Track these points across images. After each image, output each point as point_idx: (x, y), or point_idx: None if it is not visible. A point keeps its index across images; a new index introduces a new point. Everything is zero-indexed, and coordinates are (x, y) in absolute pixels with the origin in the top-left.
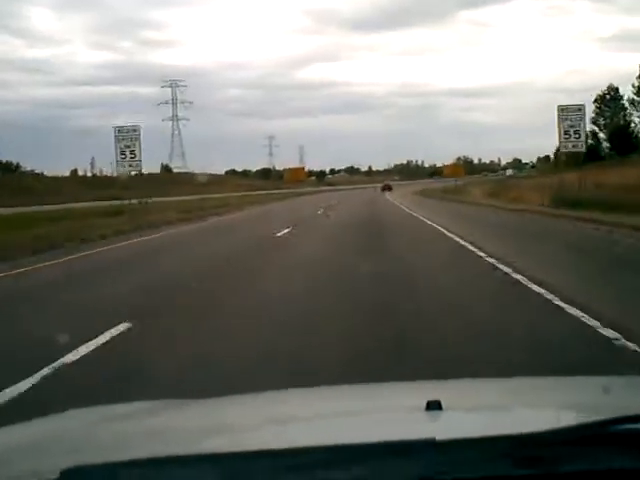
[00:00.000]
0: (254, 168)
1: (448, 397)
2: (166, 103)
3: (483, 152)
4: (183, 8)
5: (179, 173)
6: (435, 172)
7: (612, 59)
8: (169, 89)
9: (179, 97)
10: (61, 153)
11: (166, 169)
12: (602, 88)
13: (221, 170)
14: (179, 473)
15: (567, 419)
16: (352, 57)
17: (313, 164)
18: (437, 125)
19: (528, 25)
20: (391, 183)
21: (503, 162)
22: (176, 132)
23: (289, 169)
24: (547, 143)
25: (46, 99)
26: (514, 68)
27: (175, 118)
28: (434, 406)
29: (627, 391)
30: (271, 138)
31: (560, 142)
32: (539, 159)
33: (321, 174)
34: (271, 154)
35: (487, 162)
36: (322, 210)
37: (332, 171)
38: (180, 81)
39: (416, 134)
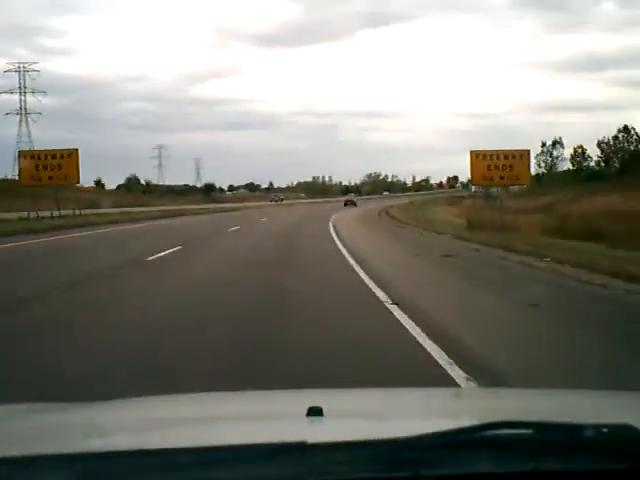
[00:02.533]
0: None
1: (330, 404)
2: (11, 93)
3: (390, 171)
4: (81, 16)
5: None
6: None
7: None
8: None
9: (28, 85)
10: None
11: None
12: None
13: (114, 184)
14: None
15: (436, 425)
16: (254, 74)
17: (211, 180)
18: (339, 144)
19: (432, 47)
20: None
21: (417, 180)
22: (24, 129)
23: None
24: (451, 164)
25: None
26: (418, 90)
27: (23, 111)
28: (315, 412)
29: (488, 401)
30: (160, 147)
31: None
32: (449, 179)
33: (210, 188)
34: (160, 166)
35: (399, 181)
36: None
37: (231, 187)
38: (31, 64)
39: (318, 152)
